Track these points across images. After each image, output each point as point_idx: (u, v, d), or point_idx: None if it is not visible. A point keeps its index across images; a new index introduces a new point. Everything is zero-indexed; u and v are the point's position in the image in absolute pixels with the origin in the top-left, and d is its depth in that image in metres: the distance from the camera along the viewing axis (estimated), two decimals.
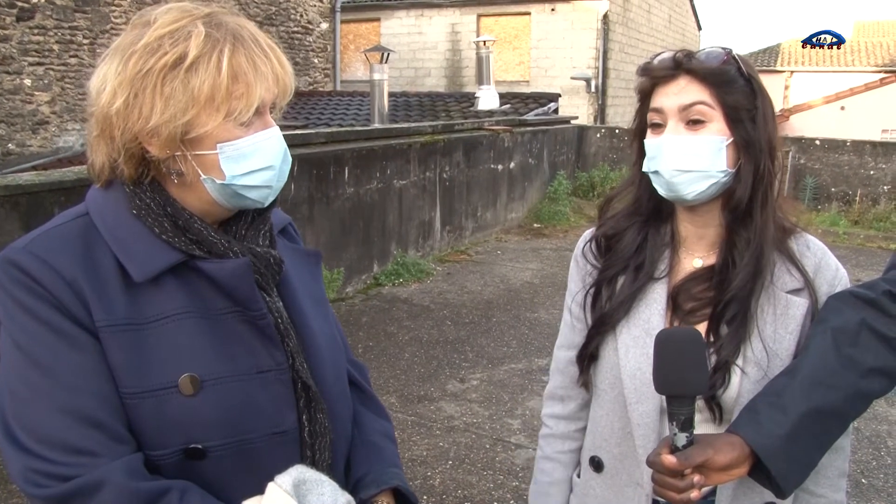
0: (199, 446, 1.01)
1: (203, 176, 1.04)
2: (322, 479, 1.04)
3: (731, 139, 1.25)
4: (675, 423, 1.10)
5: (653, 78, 1.29)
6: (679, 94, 1.25)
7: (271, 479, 0.99)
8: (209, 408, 1.01)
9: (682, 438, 1.10)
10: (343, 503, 1.04)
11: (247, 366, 1.06)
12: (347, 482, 1.20)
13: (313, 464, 1.11)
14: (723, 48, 1.28)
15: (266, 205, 1.11)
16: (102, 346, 0.99)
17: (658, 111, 1.28)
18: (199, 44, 0.99)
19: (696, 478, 1.09)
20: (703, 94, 1.24)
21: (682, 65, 1.26)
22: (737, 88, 1.25)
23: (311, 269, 1.27)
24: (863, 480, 3.70)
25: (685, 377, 1.09)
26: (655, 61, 1.30)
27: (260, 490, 1.00)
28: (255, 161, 1.04)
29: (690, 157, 1.24)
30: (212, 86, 0.99)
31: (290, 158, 1.11)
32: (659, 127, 1.28)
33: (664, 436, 1.24)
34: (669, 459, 1.09)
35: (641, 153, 1.34)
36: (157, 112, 0.98)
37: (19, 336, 0.97)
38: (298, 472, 1.02)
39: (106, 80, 1.01)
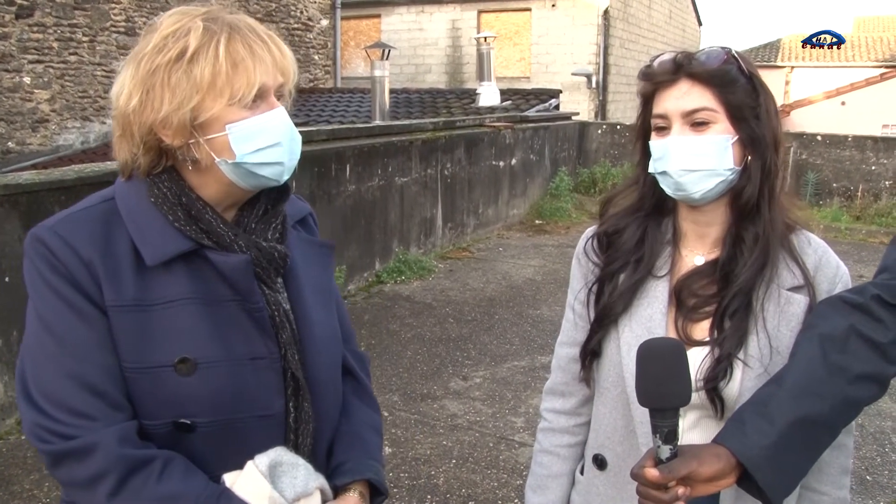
0: (188, 421, 1.10)
1: (217, 159, 1.12)
2: (298, 462, 1.14)
3: (737, 137, 1.26)
4: (658, 436, 1.10)
5: (654, 83, 1.30)
6: (682, 98, 1.26)
7: (253, 457, 1.10)
8: (201, 388, 1.10)
9: (665, 451, 1.10)
10: (314, 486, 1.13)
11: (241, 352, 1.14)
12: (327, 467, 1.26)
13: (296, 447, 1.19)
14: (722, 48, 1.29)
15: (282, 181, 1.18)
16: (110, 322, 1.09)
17: (662, 116, 1.28)
18: (197, 36, 1.09)
19: (681, 490, 1.09)
20: (706, 97, 1.25)
21: (683, 68, 1.26)
22: (738, 88, 1.26)
23: (322, 260, 1.33)
24: (867, 477, 3.70)
25: (667, 390, 1.09)
26: (655, 64, 1.31)
27: (243, 465, 1.10)
28: (263, 139, 1.12)
29: (697, 157, 1.25)
30: (212, 72, 1.08)
31: (298, 136, 1.18)
32: (664, 130, 1.29)
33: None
34: (652, 473, 1.09)
35: (645, 154, 1.35)
36: (166, 103, 1.08)
37: (40, 306, 1.09)
38: (277, 453, 1.12)
39: (123, 84, 1.12)
